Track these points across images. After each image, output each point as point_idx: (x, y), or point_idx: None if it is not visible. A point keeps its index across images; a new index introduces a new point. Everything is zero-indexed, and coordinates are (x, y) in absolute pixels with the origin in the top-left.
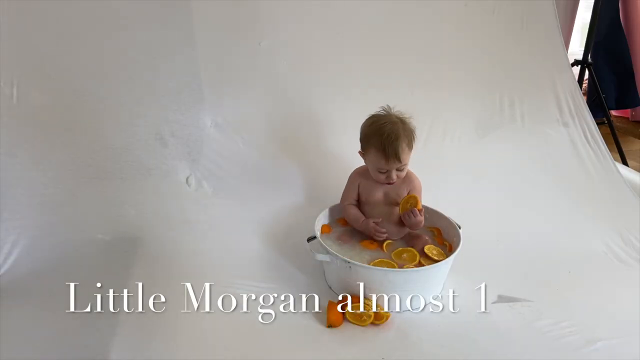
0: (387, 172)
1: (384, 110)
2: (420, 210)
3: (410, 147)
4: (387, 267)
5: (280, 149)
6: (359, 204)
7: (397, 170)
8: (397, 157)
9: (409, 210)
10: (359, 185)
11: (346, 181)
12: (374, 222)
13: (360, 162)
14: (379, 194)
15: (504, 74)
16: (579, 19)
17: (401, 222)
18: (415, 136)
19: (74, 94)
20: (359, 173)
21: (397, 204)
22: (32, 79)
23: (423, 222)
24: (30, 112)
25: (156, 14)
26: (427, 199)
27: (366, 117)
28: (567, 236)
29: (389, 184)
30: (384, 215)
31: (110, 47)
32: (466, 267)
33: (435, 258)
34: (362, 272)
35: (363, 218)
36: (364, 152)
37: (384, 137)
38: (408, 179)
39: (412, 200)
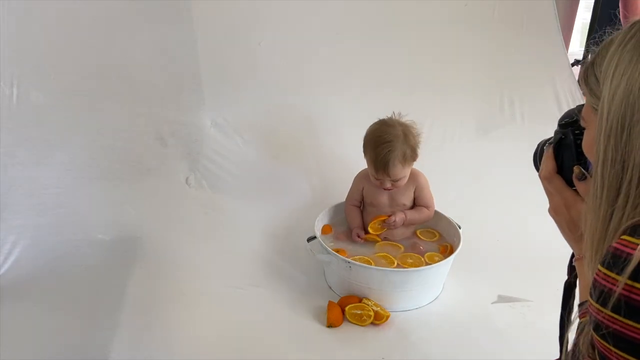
0: (381, 180)
1: (390, 118)
2: (385, 219)
3: (405, 162)
4: (386, 260)
5: (280, 149)
6: (363, 205)
7: (392, 180)
8: (386, 172)
9: (382, 225)
10: (363, 189)
11: (346, 180)
12: (356, 233)
13: (362, 163)
14: (383, 197)
15: (504, 74)
16: (579, 19)
17: (404, 225)
18: (417, 149)
19: (74, 94)
20: (363, 176)
21: (403, 206)
22: (32, 79)
23: (398, 222)
24: (30, 112)
25: (156, 14)
26: None
27: (368, 120)
28: None
29: (385, 188)
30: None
31: (110, 46)
32: (466, 267)
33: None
34: (362, 272)
35: (355, 226)
36: (364, 156)
37: (377, 149)
38: (413, 177)
39: (378, 220)
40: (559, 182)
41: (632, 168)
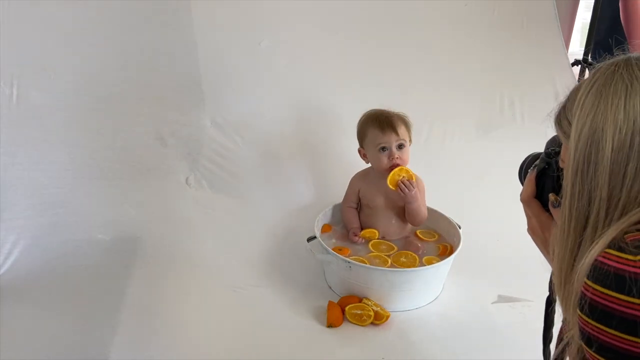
0: (389, 151)
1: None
2: (413, 182)
3: (405, 124)
4: (380, 259)
5: (280, 149)
6: (360, 206)
7: (398, 148)
8: (392, 128)
9: (401, 181)
10: (359, 190)
11: (346, 181)
12: (353, 232)
13: (361, 164)
14: (379, 198)
15: (504, 74)
16: (579, 19)
17: (401, 224)
18: (410, 122)
19: (74, 94)
20: (359, 178)
21: (400, 208)
22: (32, 79)
23: (417, 195)
24: (30, 112)
25: (156, 14)
26: (428, 198)
27: None
28: None
29: (393, 167)
30: (385, 218)
31: (110, 47)
32: (466, 267)
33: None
34: (362, 272)
35: (352, 226)
36: (362, 146)
37: (377, 115)
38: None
39: (404, 173)
40: (536, 206)
41: (598, 201)
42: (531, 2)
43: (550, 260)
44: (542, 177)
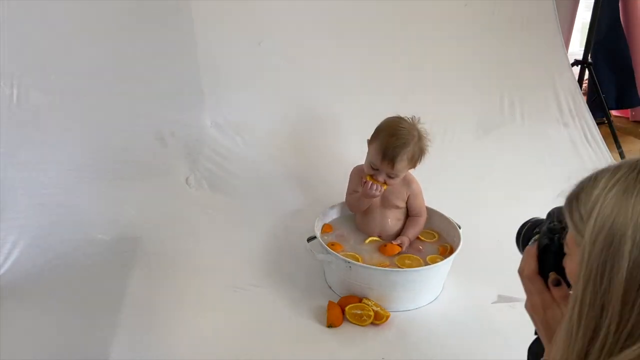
0: (377, 172)
1: (410, 119)
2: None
3: (411, 161)
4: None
5: (280, 149)
6: None
7: (388, 176)
8: (392, 162)
9: (370, 181)
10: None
11: (346, 180)
12: (363, 181)
13: (360, 160)
14: (377, 197)
15: (504, 74)
16: (579, 19)
17: (396, 222)
18: (422, 157)
19: (74, 94)
20: (360, 169)
21: (396, 207)
22: (32, 79)
23: (405, 246)
24: (30, 112)
25: (156, 14)
26: (428, 199)
27: (368, 119)
28: None
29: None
30: (381, 217)
31: (110, 46)
32: (466, 267)
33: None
34: (362, 272)
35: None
36: (370, 143)
37: (392, 137)
38: (407, 182)
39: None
40: (539, 283)
41: (610, 316)
42: (531, 2)
43: (546, 342)
44: (544, 254)
